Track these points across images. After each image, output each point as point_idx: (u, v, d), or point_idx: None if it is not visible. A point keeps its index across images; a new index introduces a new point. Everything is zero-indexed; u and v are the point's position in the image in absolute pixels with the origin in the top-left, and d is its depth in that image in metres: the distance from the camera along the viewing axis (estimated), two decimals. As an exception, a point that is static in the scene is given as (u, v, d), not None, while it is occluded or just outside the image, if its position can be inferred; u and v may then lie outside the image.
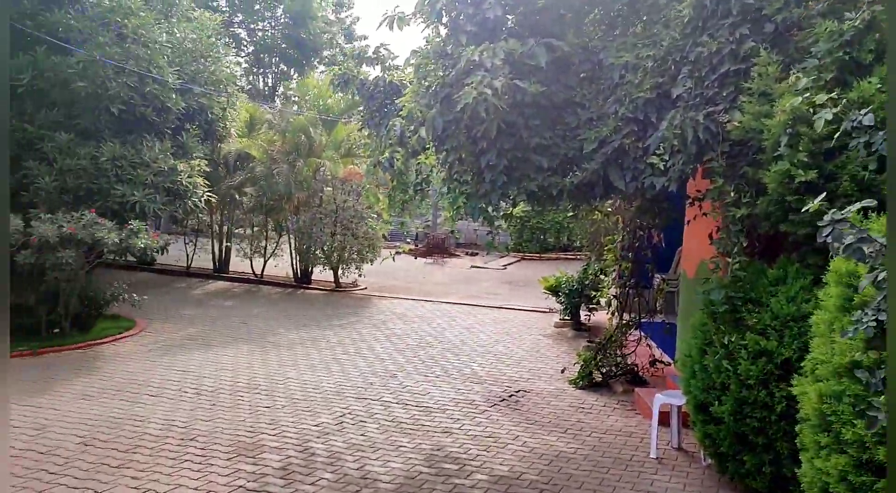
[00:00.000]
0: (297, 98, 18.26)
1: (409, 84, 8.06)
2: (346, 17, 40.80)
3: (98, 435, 6.91)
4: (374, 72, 9.22)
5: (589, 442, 7.17)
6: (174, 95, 11.91)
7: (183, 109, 12.42)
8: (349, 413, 7.90)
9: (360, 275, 17.44)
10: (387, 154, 7.87)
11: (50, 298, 11.00)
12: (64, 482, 5.81)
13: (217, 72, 13.56)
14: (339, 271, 17.53)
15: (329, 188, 17.61)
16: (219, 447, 6.70)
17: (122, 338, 11.31)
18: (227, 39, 13.69)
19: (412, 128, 7.16)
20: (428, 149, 7.33)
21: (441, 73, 6.52)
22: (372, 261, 17.43)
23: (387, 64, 8.89)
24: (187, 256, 19.22)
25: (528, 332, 13.02)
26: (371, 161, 8.74)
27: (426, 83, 6.65)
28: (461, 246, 26.86)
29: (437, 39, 6.95)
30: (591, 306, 13.06)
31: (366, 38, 40.94)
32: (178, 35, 12.80)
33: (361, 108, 9.21)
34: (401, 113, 7.67)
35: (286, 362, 10.19)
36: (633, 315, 9.84)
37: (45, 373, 9.08)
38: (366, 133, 9.47)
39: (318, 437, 7.09)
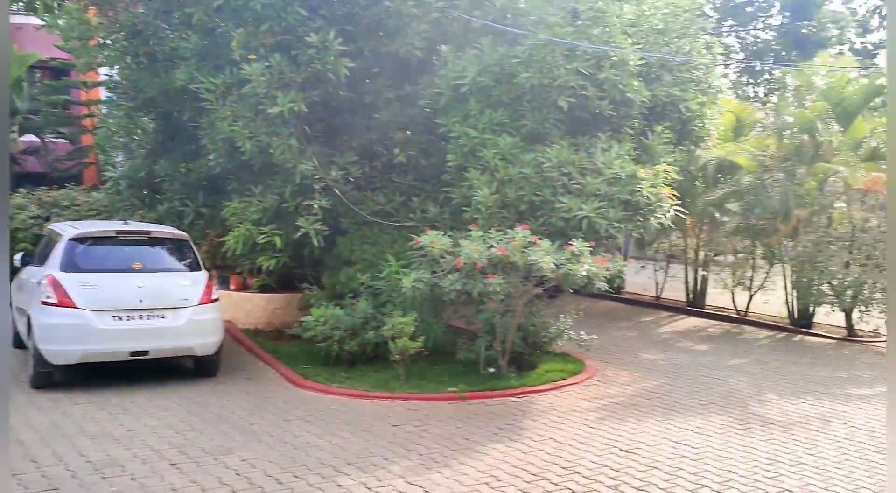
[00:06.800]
0: (796, 85, 14.28)
1: None
2: (860, 6, 33.99)
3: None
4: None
5: None
6: (636, 83, 9.39)
7: (648, 102, 9.83)
8: None
9: (886, 321, 12.61)
10: None
11: (491, 330, 9.42)
12: None
13: (693, 54, 10.66)
14: (855, 315, 12.94)
15: (842, 204, 13.23)
16: None
17: (564, 385, 9.13)
18: (720, 48, 10.88)
19: None
20: None
21: None
22: (906, 303, 12.44)
23: None
24: (657, 285, 16.64)
25: None
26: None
27: None
28: None
29: None
30: None
31: (884, 27, 33.70)
32: (645, 12, 10.30)
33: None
34: None
35: (780, 455, 6.73)
36: None
37: (459, 430, 7.26)
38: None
39: None
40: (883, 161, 13.46)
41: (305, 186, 9.75)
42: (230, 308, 11.81)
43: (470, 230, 8.72)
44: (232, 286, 12.39)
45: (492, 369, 9.18)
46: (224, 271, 12.60)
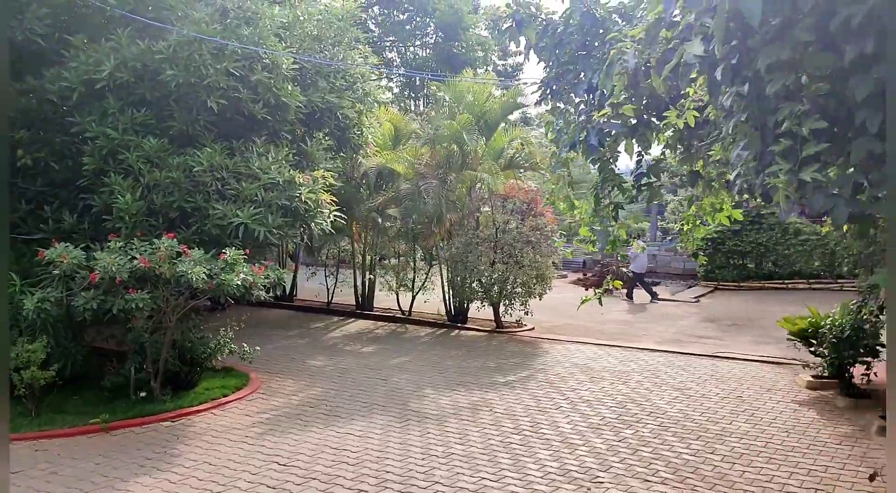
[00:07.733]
0: (448, 100, 15.37)
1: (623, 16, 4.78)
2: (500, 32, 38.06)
3: None
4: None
5: None
6: (289, 86, 9.25)
7: (303, 106, 9.76)
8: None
9: (525, 312, 14.13)
10: (604, 116, 4.53)
11: (141, 349, 8.58)
12: None
13: (348, 62, 10.86)
14: (501, 308, 14.31)
15: (487, 208, 14.51)
16: None
17: (225, 403, 8.64)
18: (377, 59, 11.21)
19: (670, 45, 3.81)
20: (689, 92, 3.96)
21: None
22: (541, 296, 14.09)
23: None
24: (328, 290, 16.79)
25: (770, 396, 9.13)
26: (562, 144, 5.45)
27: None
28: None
29: None
30: (865, 360, 8.99)
31: (521, 53, 38.31)
32: (299, 17, 10.22)
33: (545, 71, 5.93)
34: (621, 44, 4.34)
35: (433, 449, 7.03)
36: None
37: (99, 466, 6.43)
38: (545, 108, 6.27)
39: None
40: (520, 170, 15.11)
41: None
42: None
43: (109, 241, 7.84)
44: None
45: (143, 393, 8.35)
46: None
